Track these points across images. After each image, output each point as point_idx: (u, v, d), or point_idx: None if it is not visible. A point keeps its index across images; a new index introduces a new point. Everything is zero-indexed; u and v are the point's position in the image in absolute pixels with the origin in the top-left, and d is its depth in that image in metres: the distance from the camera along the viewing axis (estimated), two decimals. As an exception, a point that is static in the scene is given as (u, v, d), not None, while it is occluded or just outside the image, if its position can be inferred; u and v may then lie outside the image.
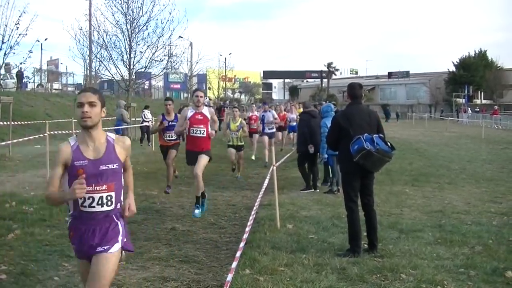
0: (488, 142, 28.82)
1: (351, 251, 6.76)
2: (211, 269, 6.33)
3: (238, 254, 5.59)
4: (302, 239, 7.54)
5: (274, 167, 8.65)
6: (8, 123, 18.64)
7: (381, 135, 6.93)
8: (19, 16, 18.53)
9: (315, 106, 17.92)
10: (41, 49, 58.78)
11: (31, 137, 17.76)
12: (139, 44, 30.62)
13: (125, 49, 30.34)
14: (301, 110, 18.68)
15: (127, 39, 30.24)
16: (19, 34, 18.51)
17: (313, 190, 12.01)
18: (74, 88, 59.62)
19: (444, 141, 29.12)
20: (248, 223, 6.72)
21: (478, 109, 65.81)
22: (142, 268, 6.30)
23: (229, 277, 4.90)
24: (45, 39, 53.79)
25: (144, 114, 25.90)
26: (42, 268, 6.16)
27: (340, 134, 6.99)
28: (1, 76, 34.43)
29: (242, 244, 5.92)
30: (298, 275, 5.92)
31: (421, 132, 38.08)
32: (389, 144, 6.84)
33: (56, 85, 57.33)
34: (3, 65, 20.71)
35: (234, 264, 5.26)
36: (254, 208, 7.42)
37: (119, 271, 6.12)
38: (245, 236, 6.26)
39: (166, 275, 6.02)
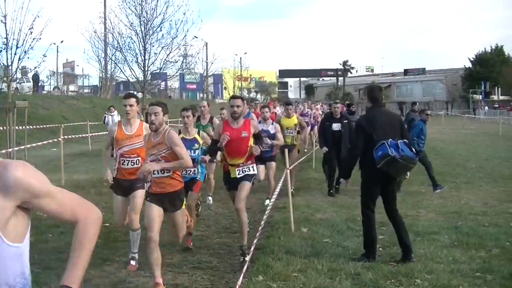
0: (506, 139, 28.50)
1: (366, 256, 6.68)
2: (224, 276, 6.29)
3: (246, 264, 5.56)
4: (316, 243, 7.48)
5: (288, 170, 8.60)
6: (24, 127, 18.79)
7: (405, 140, 6.71)
8: (33, 21, 18.57)
9: (330, 105, 17.93)
10: (57, 51, 58.93)
11: (45, 142, 17.85)
12: (153, 46, 30.64)
13: (140, 50, 30.41)
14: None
15: (142, 40, 30.29)
16: (33, 39, 18.54)
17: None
18: (90, 91, 60.05)
19: (460, 139, 28.82)
20: (260, 228, 6.66)
21: (497, 105, 65.03)
22: (155, 275, 6.27)
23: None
24: (61, 41, 54.24)
25: (112, 117, 20.26)
26: (55, 276, 6.13)
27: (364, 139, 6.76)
28: (17, 80, 34.72)
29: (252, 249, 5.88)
30: (312, 281, 5.86)
31: (437, 130, 37.72)
32: (413, 150, 6.70)
33: (72, 88, 57.73)
34: (17, 69, 20.78)
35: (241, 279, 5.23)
36: (266, 212, 7.35)
37: (131, 278, 6.12)
38: (254, 246, 6.21)
39: (178, 282, 5.99)
